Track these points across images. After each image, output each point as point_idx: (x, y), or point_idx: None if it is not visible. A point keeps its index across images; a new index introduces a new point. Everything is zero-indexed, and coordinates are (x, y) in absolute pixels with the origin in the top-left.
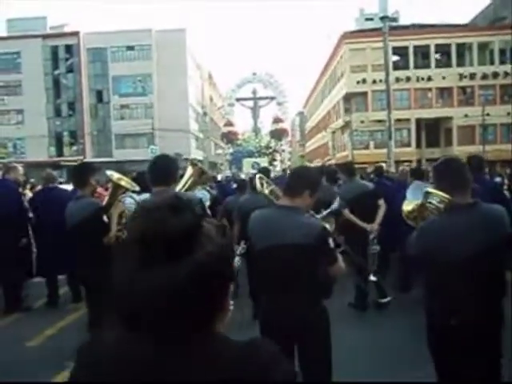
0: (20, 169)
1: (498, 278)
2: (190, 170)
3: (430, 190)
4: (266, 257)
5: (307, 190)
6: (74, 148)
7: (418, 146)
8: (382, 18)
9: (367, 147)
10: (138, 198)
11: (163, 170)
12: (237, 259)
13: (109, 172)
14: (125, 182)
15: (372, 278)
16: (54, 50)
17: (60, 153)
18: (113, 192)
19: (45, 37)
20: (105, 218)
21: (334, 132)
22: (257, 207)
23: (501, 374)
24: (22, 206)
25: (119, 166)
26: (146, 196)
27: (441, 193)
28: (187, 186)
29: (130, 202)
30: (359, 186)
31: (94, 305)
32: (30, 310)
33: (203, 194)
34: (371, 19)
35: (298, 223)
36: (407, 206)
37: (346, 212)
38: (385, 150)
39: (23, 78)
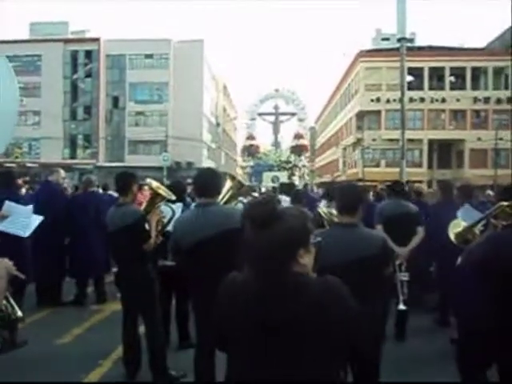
0: (62, 172)
1: None
2: (228, 183)
3: (506, 203)
4: (344, 272)
5: (360, 205)
6: (88, 151)
7: (430, 166)
8: (400, 40)
9: (378, 165)
10: (174, 206)
11: (207, 182)
12: None
13: (148, 180)
14: (162, 190)
15: (401, 306)
16: (74, 55)
17: (73, 155)
18: (151, 200)
19: (66, 41)
20: (146, 226)
21: (344, 148)
22: None
23: None
24: (66, 208)
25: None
26: (179, 205)
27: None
28: (225, 198)
29: (166, 210)
30: (404, 206)
31: (133, 305)
32: (67, 304)
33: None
34: (387, 39)
35: (362, 237)
36: (456, 228)
37: (379, 228)
38: (396, 169)
39: (42, 80)
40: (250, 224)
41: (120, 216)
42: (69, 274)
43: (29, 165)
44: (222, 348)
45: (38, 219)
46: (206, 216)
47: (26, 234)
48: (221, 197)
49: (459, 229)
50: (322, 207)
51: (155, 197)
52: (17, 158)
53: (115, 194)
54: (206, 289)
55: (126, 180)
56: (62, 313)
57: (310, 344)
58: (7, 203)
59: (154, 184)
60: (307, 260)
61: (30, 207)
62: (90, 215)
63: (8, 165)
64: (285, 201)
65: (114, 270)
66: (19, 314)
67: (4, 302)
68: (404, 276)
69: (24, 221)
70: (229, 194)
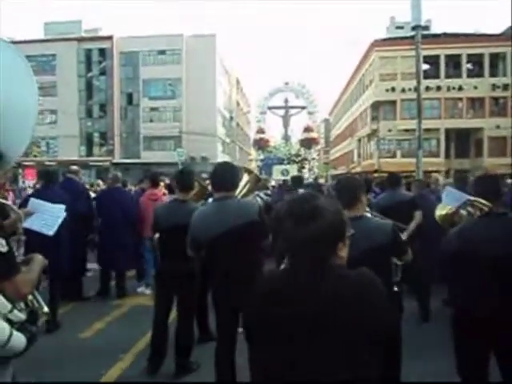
0: (81, 171)
1: None
2: (245, 178)
3: (473, 198)
4: (356, 264)
5: (363, 195)
6: (104, 148)
7: (447, 156)
8: (415, 28)
9: (394, 156)
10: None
11: (225, 177)
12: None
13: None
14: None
15: (395, 288)
16: (88, 53)
17: (90, 153)
18: (199, 194)
19: (80, 40)
20: None
21: (359, 140)
22: None
23: None
24: (91, 205)
25: (146, 168)
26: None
27: (484, 201)
28: (243, 192)
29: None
30: (398, 195)
31: (175, 300)
32: (87, 300)
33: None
34: (402, 27)
35: (370, 227)
36: (441, 210)
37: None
38: (412, 160)
39: (58, 79)
40: (291, 220)
41: (182, 213)
42: (98, 263)
43: (47, 163)
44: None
45: (61, 217)
46: (224, 210)
47: (51, 232)
48: (238, 191)
49: (443, 211)
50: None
51: (203, 192)
52: (35, 156)
53: (133, 190)
54: (226, 283)
55: (190, 178)
56: (84, 307)
57: (353, 337)
58: (32, 200)
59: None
60: (344, 252)
61: (63, 206)
62: (117, 210)
63: (27, 163)
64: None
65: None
66: (45, 309)
67: (30, 297)
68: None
69: (50, 219)
70: (246, 187)
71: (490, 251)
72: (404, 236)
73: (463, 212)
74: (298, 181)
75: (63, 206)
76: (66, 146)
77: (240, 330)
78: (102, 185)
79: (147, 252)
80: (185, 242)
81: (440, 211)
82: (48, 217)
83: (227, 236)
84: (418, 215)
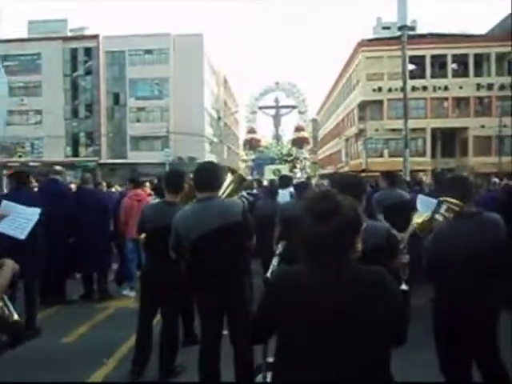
0: (67, 172)
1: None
2: (229, 177)
3: (446, 198)
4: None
5: (363, 195)
6: (90, 149)
7: (433, 155)
8: (401, 28)
9: (381, 155)
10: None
11: (208, 176)
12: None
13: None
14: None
15: (404, 286)
16: (74, 53)
17: (76, 153)
18: (187, 197)
19: (65, 39)
20: None
21: (347, 139)
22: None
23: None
24: (72, 206)
25: (133, 168)
26: None
27: (455, 200)
28: (227, 192)
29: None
30: (398, 195)
31: (159, 302)
32: (71, 303)
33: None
34: (388, 28)
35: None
36: (418, 219)
37: (380, 217)
38: (399, 159)
39: (43, 79)
40: (312, 217)
41: (167, 215)
42: (77, 269)
43: (31, 164)
44: (259, 341)
45: (34, 220)
46: (207, 210)
47: (23, 236)
48: (222, 191)
49: (419, 219)
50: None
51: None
52: (20, 157)
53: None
54: (211, 284)
55: (177, 178)
56: (68, 311)
57: (369, 332)
58: (5, 202)
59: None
60: (359, 245)
61: (37, 209)
62: (87, 212)
63: (11, 164)
64: (283, 194)
65: (115, 267)
66: (15, 317)
67: (0, 303)
68: (405, 258)
69: (22, 221)
70: (230, 187)
71: (465, 250)
72: (404, 237)
73: (439, 218)
74: (285, 180)
75: (37, 209)
76: (52, 147)
77: (225, 332)
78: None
79: (130, 253)
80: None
81: (417, 219)
82: (20, 220)
83: (211, 237)
84: None
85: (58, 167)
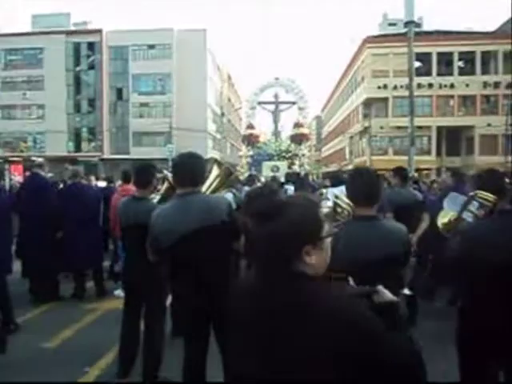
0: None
1: None
2: (215, 171)
3: (478, 192)
4: (363, 272)
5: (380, 196)
6: (92, 144)
7: (439, 154)
8: (408, 23)
9: (386, 153)
10: None
11: (188, 169)
12: None
13: (165, 172)
14: None
15: (406, 291)
16: (77, 47)
17: (78, 148)
18: (167, 193)
19: (68, 33)
20: None
21: (351, 137)
22: None
23: None
24: (55, 200)
25: (135, 164)
26: None
27: (488, 193)
28: (213, 187)
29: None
30: (411, 194)
31: (138, 303)
32: (62, 299)
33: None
34: (394, 24)
35: (385, 231)
36: (443, 219)
37: (389, 215)
38: (404, 157)
39: (45, 73)
40: (255, 217)
41: (134, 211)
42: (66, 268)
43: (34, 158)
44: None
45: None
46: (187, 208)
47: None
48: (207, 185)
49: (445, 219)
50: (341, 195)
51: (170, 190)
52: (22, 151)
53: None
54: (194, 290)
55: (146, 173)
56: (54, 312)
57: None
58: None
59: (170, 176)
60: (317, 259)
61: None
62: (76, 207)
63: (13, 159)
64: (290, 191)
65: (106, 263)
66: None
67: None
68: (411, 261)
69: None
70: (216, 182)
71: (496, 257)
72: (414, 238)
73: (468, 217)
74: (293, 178)
75: None
76: (54, 142)
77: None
78: (93, 180)
79: (122, 251)
80: (141, 249)
81: (442, 219)
82: None
83: (192, 239)
84: (427, 217)
85: (38, 159)
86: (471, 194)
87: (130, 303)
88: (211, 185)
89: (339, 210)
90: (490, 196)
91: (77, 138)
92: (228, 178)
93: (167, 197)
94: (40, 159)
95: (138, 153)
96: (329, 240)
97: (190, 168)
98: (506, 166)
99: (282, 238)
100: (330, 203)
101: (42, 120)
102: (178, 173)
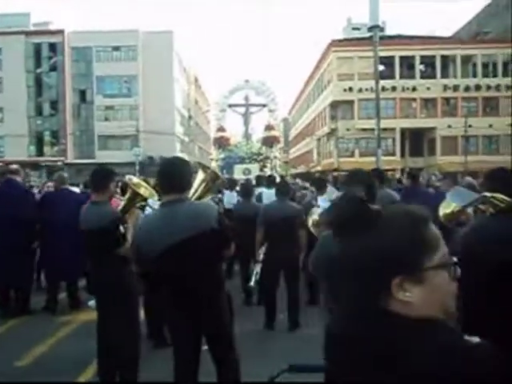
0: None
1: None
2: (200, 175)
3: (490, 194)
4: None
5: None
6: (55, 148)
7: (403, 155)
8: (372, 28)
9: (352, 155)
10: (154, 203)
11: (175, 175)
12: (258, 266)
13: (128, 176)
14: (144, 188)
15: None
16: (37, 48)
17: (40, 153)
18: (130, 198)
19: (27, 34)
20: (121, 229)
21: (319, 139)
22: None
23: None
24: (36, 208)
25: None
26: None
27: (503, 196)
28: (198, 193)
29: (149, 212)
30: (388, 195)
31: (107, 312)
32: (33, 313)
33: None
34: (358, 29)
35: None
36: (446, 209)
37: None
38: (370, 158)
39: (4, 75)
40: (331, 227)
41: (93, 216)
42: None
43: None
44: None
45: None
46: (174, 217)
47: None
48: (192, 192)
49: (448, 210)
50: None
51: (134, 195)
52: None
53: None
54: (182, 303)
55: (102, 176)
56: (26, 326)
57: None
58: None
59: (135, 181)
60: (417, 295)
61: None
62: (62, 215)
63: None
64: (266, 194)
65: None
66: None
67: None
68: None
69: None
70: (201, 187)
71: (500, 254)
72: None
73: (470, 210)
74: (267, 181)
75: None
76: (14, 146)
77: (204, 347)
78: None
79: None
80: (106, 248)
81: (445, 210)
82: None
83: (180, 249)
84: None
85: (13, 166)
86: (484, 195)
87: (101, 313)
88: (196, 191)
89: None
90: (505, 199)
91: (39, 142)
92: (214, 183)
93: (133, 204)
94: (14, 165)
95: (103, 157)
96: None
97: (175, 174)
98: (465, 165)
99: (366, 264)
100: (320, 210)
101: (1, 123)
102: (163, 179)
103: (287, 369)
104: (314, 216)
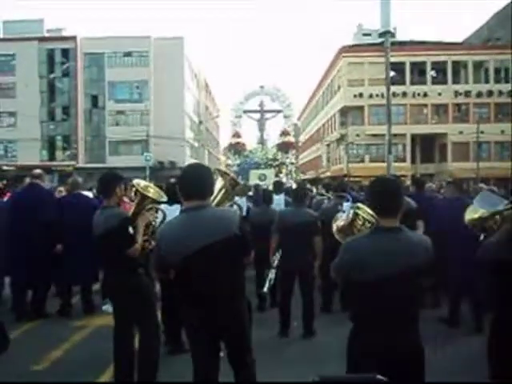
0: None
1: None
2: (220, 182)
3: None
4: (385, 287)
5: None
6: (67, 153)
7: (413, 161)
8: (383, 33)
9: (362, 161)
10: (166, 208)
11: (197, 181)
12: (272, 271)
13: (136, 181)
14: (153, 191)
15: None
16: (50, 54)
17: (52, 157)
18: (139, 202)
19: (41, 40)
20: (130, 230)
21: (328, 145)
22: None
23: None
24: (57, 212)
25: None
26: (177, 207)
27: None
28: (217, 200)
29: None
30: (405, 202)
31: (123, 317)
32: (49, 317)
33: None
34: (369, 34)
35: (412, 243)
36: (473, 214)
37: None
38: (380, 164)
39: (17, 80)
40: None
41: (103, 220)
42: (54, 281)
43: (5, 168)
44: None
45: None
46: (197, 223)
47: None
48: (211, 198)
49: (476, 215)
50: (363, 206)
51: (143, 199)
52: None
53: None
54: (202, 311)
55: (109, 182)
56: (42, 330)
57: None
58: None
59: (142, 184)
60: None
61: None
62: (75, 219)
63: None
64: (278, 200)
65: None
66: None
67: None
68: None
69: None
70: (221, 193)
71: None
72: None
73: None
74: (279, 186)
75: None
76: (26, 150)
77: (221, 354)
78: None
79: None
80: (117, 251)
81: (472, 215)
82: None
83: (201, 256)
84: (421, 225)
85: (37, 170)
86: None
87: (117, 316)
88: (215, 198)
89: (359, 222)
90: None
91: (51, 147)
92: (234, 189)
93: (140, 210)
94: (38, 170)
95: (114, 161)
96: None
97: (198, 180)
98: (477, 172)
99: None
100: (345, 216)
101: (14, 128)
102: (185, 185)
103: (318, 381)
104: (339, 222)
